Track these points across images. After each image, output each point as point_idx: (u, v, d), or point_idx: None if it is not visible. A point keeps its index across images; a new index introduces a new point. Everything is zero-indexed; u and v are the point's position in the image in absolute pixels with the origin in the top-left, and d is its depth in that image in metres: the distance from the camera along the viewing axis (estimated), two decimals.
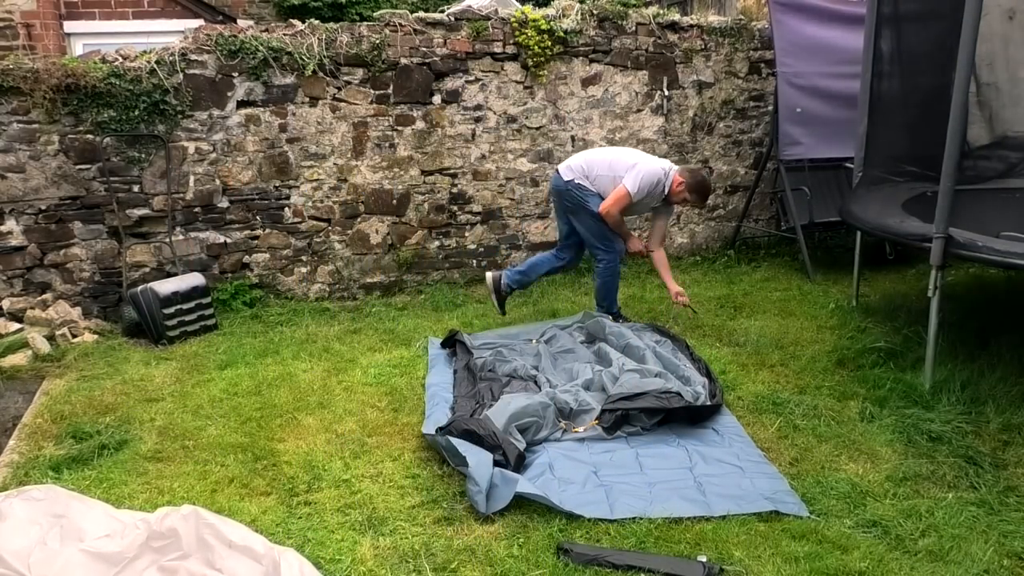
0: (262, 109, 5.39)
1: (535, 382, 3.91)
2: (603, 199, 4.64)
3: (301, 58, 5.33)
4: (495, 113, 5.93)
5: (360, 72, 5.54)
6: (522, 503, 2.89)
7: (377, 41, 5.48)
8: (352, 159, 5.67)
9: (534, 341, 4.51)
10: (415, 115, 5.73)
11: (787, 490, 2.97)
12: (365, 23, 5.62)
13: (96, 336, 4.92)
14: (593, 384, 3.79)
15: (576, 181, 4.69)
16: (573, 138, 6.19)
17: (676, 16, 6.33)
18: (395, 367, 4.35)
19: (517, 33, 5.77)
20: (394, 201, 5.83)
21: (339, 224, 5.75)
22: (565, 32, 5.89)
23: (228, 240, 5.52)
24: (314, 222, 5.69)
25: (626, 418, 3.44)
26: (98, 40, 8.15)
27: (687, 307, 4.97)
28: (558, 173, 4.80)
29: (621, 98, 6.24)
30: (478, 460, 2.95)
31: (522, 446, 3.20)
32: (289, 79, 5.39)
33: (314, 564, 2.56)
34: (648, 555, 2.61)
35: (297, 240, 5.67)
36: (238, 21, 9.04)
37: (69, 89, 4.87)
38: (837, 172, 6.28)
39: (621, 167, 4.66)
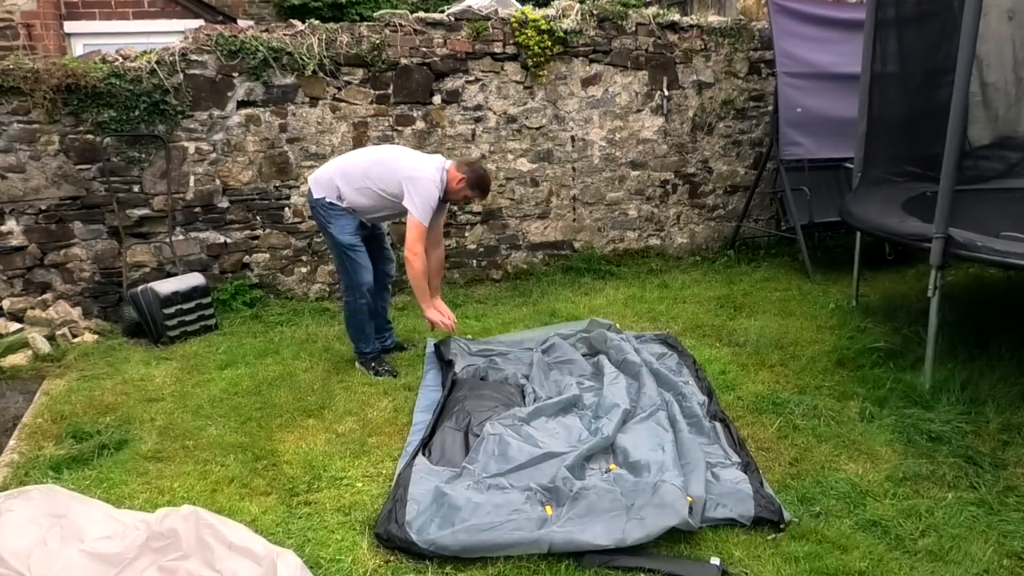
0: (262, 109, 5.39)
1: (522, 392, 3.88)
2: (353, 218, 4.09)
3: (301, 58, 5.33)
4: (495, 113, 5.93)
5: (360, 72, 5.54)
6: None
7: (377, 41, 5.48)
8: None
9: (534, 351, 4.38)
10: (415, 115, 5.74)
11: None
12: (365, 23, 5.62)
13: (96, 336, 4.92)
14: (579, 404, 3.72)
15: (326, 200, 4.07)
16: (573, 138, 6.19)
17: (676, 16, 6.33)
18: (395, 366, 4.35)
19: (517, 33, 5.77)
20: None
21: None
22: (565, 32, 5.89)
23: (228, 240, 5.52)
24: (314, 222, 5.68)
25: None
26: (98, 40, 8.15)
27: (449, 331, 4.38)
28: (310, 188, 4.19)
29: (621, 98, 6.24)
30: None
31: None
32: (289, 79, 5.39)
33: (314, 564, 2.57)
34: (661, 557, 2.61)
35: (297, 240, 5.67)
36: (238, 21, 9.05)
37: (69, 89, 4.87)
38: (837, 172, 6.29)
39: (388, 177, 4.01)
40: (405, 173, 3.98)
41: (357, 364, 4.36)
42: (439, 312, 4.29)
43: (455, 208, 5.97)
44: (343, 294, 4.31)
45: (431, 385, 4.09)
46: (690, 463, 3.08)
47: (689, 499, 2.80)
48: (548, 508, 2.84)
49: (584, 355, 4.36)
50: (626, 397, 3.67)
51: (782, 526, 2.76)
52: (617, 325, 4.71)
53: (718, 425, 3.50)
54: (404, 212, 4.04)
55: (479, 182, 4.14)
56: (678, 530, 2.72)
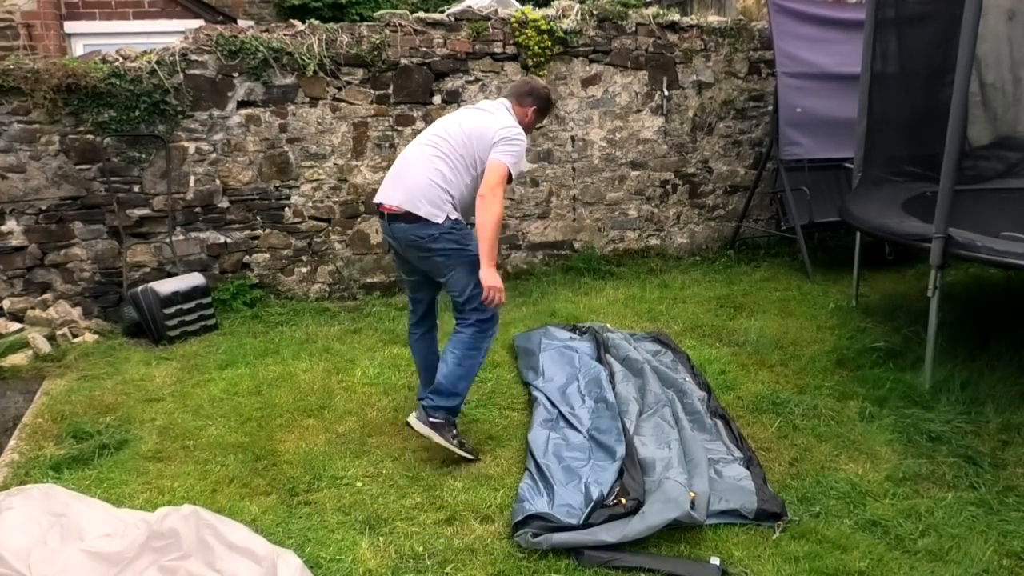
0: (262, 109, 5.40)
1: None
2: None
3: (301, 58, 5.34)
4: None
5: (360, 72, 5.54)
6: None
7: (377, 41, 5.48)
8: (352, 159, 5.67)
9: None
10: (415, 115, 5.74)
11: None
12: (365, 23, 5.62)
13: (96, 336, 4.92)
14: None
15: (449, 219, 3.17)
16: (573, 138, 6.19)
17: (676, 16, 6.33)
18: (395, 367, 4.35)
19: (517, 33, 5.77)
20: None
21: (339, 224, 5.75)
22: (565, 32, 5.89)
23: (228, 240, 5.52)
24: (314, 222, 5.69)
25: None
26: (98, 40, 8.15)
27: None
28: (395, 218, 3.21)
29: (621, 98, 6.24)
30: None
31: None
32: (289, 79, 5.39)
33: (314, 564, 2.57)
34: (661, 557, 2.61)
35: (297, 240, 5.67)
36: (238, 21, 9.04)
37: (70, 89, 4.87)
38: (837, 172, 6.28)
39: (482, 148, 3.23)
40: (497, 132, 3.25)
41: (436, 437, 3.20)
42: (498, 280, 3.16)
43: None
44: (472, 329, 3.23)
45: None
46: (693, 460, 3.10)
47: (692, 494, 2.81)
48: None
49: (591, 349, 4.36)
50: (636, 394, 3.69)
51: (783, 522, 2.76)
52: (609, 326, 4.70)
53: (719, 422, 3.52)
54: None
55: (542, 100, 3.47)
56: (679, 529, 2.72)
